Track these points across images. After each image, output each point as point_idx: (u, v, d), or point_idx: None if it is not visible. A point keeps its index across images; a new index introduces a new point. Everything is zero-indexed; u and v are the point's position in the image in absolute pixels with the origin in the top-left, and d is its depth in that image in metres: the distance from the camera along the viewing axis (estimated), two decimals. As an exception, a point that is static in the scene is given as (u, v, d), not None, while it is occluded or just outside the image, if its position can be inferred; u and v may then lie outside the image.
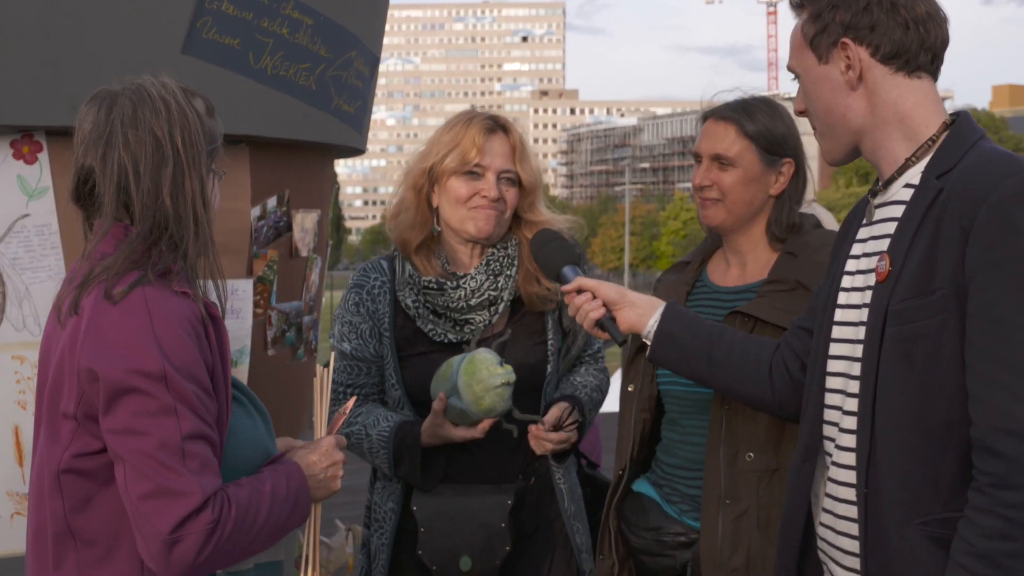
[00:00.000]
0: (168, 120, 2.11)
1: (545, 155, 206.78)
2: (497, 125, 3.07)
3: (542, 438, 2.94)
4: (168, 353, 1.97)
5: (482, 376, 2.81)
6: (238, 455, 2.17)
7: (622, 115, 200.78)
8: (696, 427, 2.86)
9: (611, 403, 3.42)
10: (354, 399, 2.66)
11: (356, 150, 4.00)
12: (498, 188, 3.01)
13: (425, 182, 3.07)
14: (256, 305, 3.51)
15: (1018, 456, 1.92)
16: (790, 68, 2.33)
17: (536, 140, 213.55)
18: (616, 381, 3.39)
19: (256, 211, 3.47)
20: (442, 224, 3.09)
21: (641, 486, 2.99)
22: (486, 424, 2.91)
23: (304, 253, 3.73)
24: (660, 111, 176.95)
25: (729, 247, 2.94)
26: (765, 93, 2.99)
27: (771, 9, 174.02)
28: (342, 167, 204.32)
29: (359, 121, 3.82)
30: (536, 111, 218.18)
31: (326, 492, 2.29)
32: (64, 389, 2.05)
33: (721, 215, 2.86)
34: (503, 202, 3.03)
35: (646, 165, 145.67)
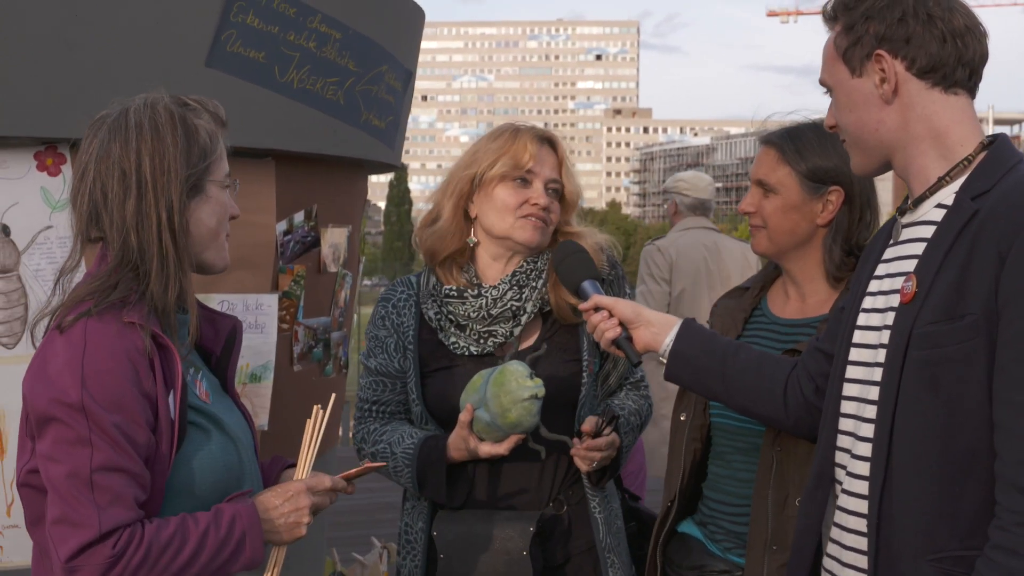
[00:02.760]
0: (138, 149, 2.14)
1: (618, 174, 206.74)
2: (545, 137, 3.01)
3: (590, 447, 2.82)
4: (91, 385, 2.01)
5: (511, 388, 2.71)
6: (194, 480, 2.17)
7: (695, 134, 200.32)
8: (744, 463, 2.76)
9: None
10: (379, 464, 2.59)
11: (389, 166, 3.96)
12: (546, 197, 2.95)
13: (468, 191, 3.00)
14: (282, 320, 3.49)
15: None
16: (822, 82, 2.26)
17: (609, 158, 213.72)
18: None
19: (282, 225, 3.45)
20: (481, 235, 3.02)
21: (686, 527, 2.91)
22: (512, 441, 2.79)
23: (333, 269, 3.71)
24: (733, 131, 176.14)
25: (787, 276, 2.84)
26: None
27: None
28: (415, 183, 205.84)
29: (391, 136, 3.79)
30: (609, 129, 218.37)
31: (288, 537, 2.24)
32: (24, 410, 2.12)
33: (764, 242, 2.78)
34: (549, 212, 2.96)
35: (719, 185, 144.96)
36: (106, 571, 1.97)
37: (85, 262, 2.26)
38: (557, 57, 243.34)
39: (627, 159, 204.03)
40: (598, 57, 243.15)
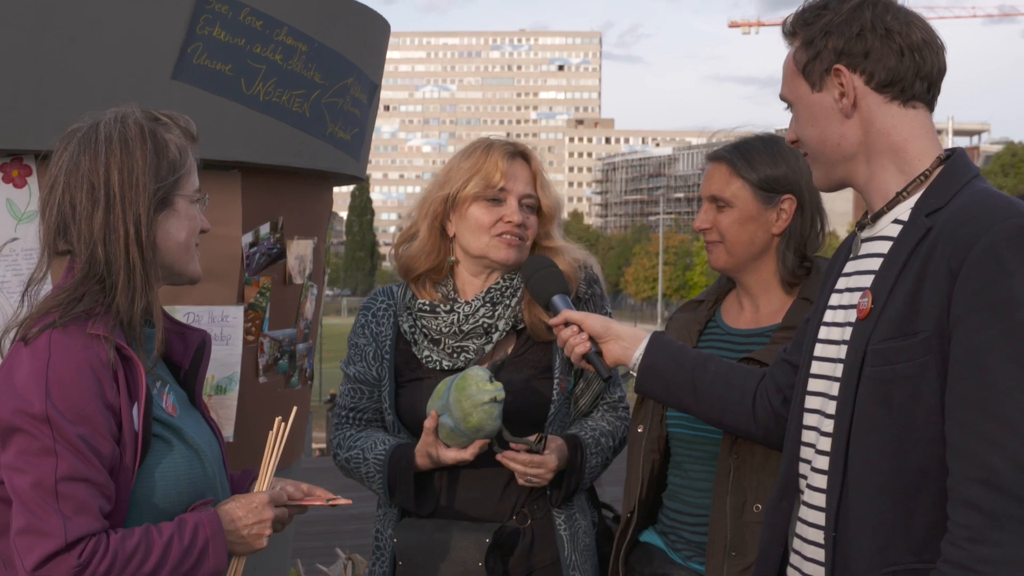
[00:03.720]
0: (107, 163, 2.16)
1: (580, 184, 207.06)
2: (517, 151, 3.03)
3: (508, 457, 2.82)
4: (55, 396, 2.03)
5: (471, 392, 2.74)
6: (157, 492, 2.18)
7: (657, 145, 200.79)
8: (702, 472, 2.80)
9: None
10: (345, 502, 2.58)
11: (355, 178, 3.97)
12: (520, 214, 2.97)
13: (442, 211, 3.03)
14: (247, 332, 3.49)
15: (995, 510, 1.85)
16: (783, 97, 2.28)
17: (571, 169, 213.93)
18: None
19: (248, 237, 3.45)
20: (460, 253, 3.04)
21: (648, 536, 2.94)
22: (477, 446, 2.82)
23: (299, 280, 3.71)
24: (695, 141, 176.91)
25: (741, 288, 2.88)
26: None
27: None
28: (377, 193, 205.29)
29: (357, 148, 3.80)
30: (571, 140, 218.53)
31: (248, 548, 2.27)
32: None
33: (723, 257, 2.82)
34: (525, 228, 2.99)
35: (680, 195, 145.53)
36: None
37: (53, 275, 2.26)
38: (519, 67, 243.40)
39: (589, 169, 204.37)
40: (560, 67, 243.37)
